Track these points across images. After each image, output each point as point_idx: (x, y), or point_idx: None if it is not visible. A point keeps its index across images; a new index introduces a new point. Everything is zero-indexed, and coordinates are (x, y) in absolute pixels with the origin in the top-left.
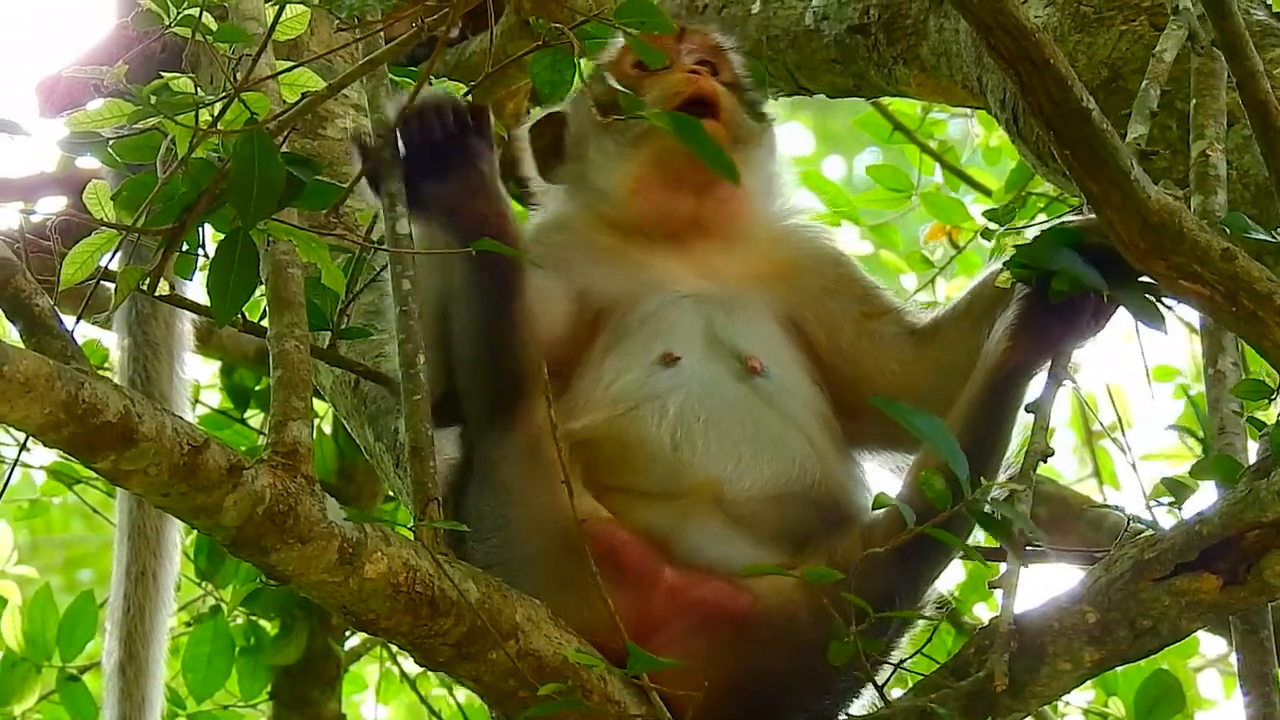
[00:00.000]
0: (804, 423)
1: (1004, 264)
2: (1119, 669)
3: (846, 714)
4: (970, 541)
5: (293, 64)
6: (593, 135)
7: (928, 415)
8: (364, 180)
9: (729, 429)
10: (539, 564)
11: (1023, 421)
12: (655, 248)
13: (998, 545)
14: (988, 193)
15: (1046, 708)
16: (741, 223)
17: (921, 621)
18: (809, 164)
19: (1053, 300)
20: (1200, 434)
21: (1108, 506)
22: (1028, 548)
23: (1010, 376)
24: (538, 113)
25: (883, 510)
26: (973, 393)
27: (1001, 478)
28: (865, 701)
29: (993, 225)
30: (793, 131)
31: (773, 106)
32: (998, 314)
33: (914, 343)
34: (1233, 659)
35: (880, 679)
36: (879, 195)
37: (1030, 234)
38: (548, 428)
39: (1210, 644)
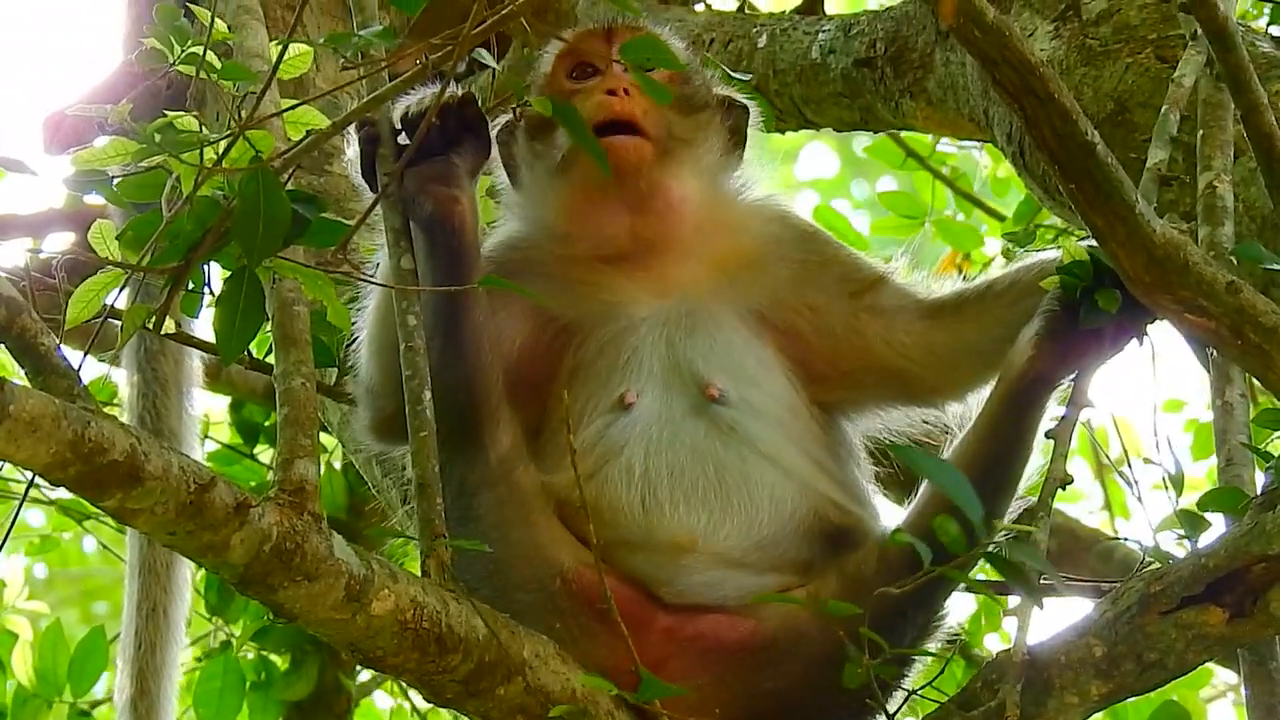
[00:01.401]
0: (776, 450)
1: (1057, 269)
2: (1129, 700)
3: None
4: (983, 575)
5: (298, 101)
6: (524, 157)
7: (941, 461)
8: (356, 162)
9: (694, 481)
10: (533, 616)
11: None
12: (607, 268)
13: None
14: (1000, 218)
15: None
16: (691, 229)
17: (932, 646)
18: (834, 186)
19: (1102, 307)
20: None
21: (1118, 539)
22: (1042, 585)
23: (1034, 386)
24: (501, 119)
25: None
26: (993, 402)
27: (1015, 503)
28: None
29: (1012, 246)
30: (817, 153)
31: (731, 85)
32: (1030, 304)
33: (926, 312)
34: (1243, 690)
35: (893, 706)
36: (892, 222)
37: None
38: (515, 456)
39: (1223, 674)
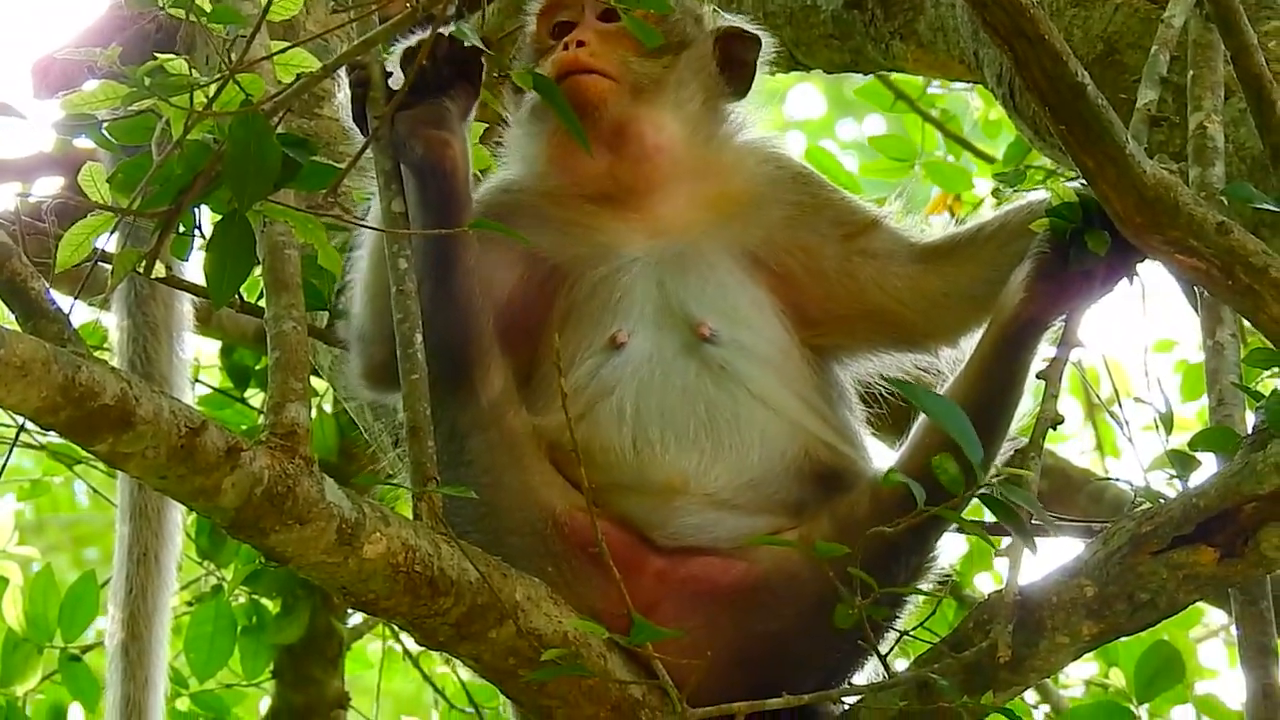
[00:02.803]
0: (766, 390)
1: (1046, 211)
2: (1119, 640)
3: (850, 684)
4: (974, 516)
5: (288, 45)
6: (512, 106)
7: (942, 398)
8: (347, 105)
9: (686, 421)
10: (526, 559)
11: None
12: (597, 210)
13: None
14: (990, 160)
15: (1047, 680)
16: (676, 170)
17: (928, 584)
18: (821, 127)
19: (1090, 249)
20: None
21: (1109, 478)
22: (1034, 527)
23: (1026, 328)
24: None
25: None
26: (985, 344)
27: (1007, 445)
28: (868, 670)
29: (1003, 187)
30: (805, 94)
31: (707, 19)
32: (1019, 246)
33: (918, 256)
34: (1234, 630)
35: (884, 647)
36: (883, 165)
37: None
38: (506, 400)
39: (1214, 614)
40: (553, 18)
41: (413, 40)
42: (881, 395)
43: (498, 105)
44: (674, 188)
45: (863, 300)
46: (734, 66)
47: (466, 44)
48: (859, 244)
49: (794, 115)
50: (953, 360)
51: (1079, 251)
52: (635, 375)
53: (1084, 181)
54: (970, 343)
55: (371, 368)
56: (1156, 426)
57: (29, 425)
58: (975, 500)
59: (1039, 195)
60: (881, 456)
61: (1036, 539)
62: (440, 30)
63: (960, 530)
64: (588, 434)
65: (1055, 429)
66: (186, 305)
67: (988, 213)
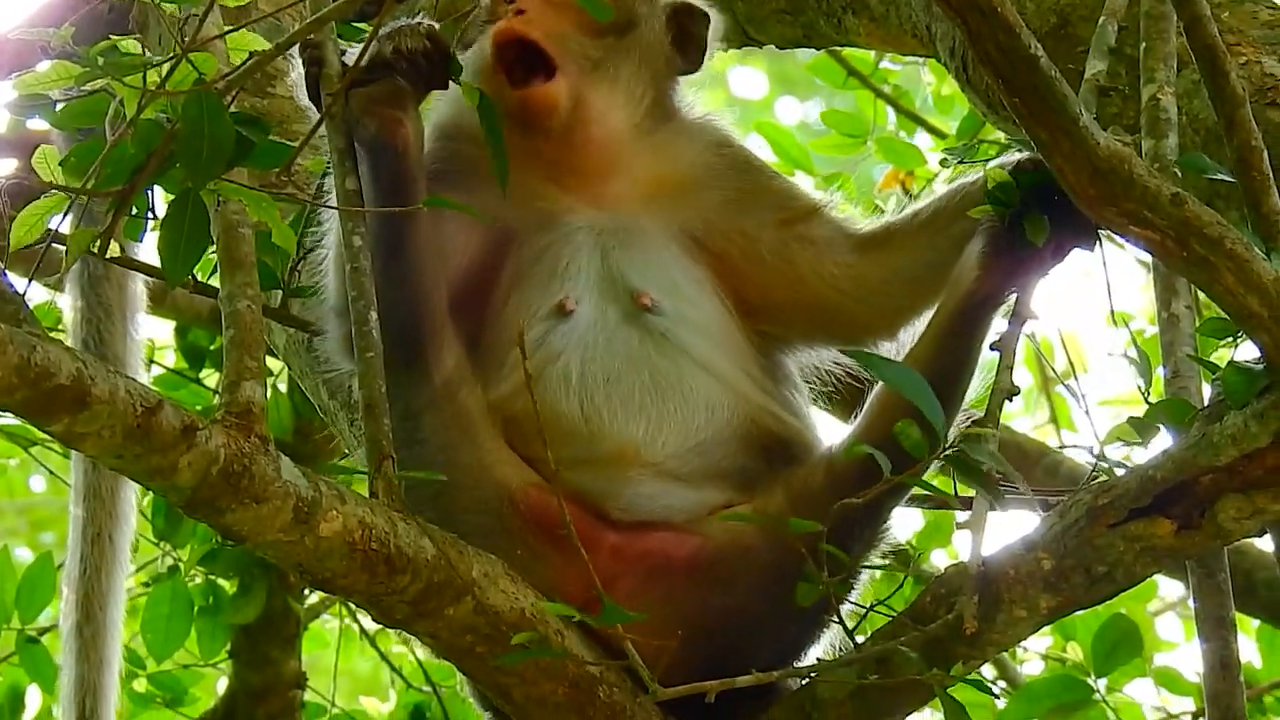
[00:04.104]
0: (709, 359)
1: (986, 193)
2: (1077, 614)
3: (807, 657)
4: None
5: (240, 24)
6: (462, 53)
7: (900, 365)
8: (301, 84)
9: (631, 386)
10: (482, 537)
11: (984, 361)
12: (541, 180)
13: (953, 492)
14: (943, 136)
15: (1005, 654)
16: (620, 150)
17: (879, 558)
18: (763, 107)
19: (1030, 238)
20: (1143, 380)
21: (1074, 447)
22: (1000, 487)
23: (981, 304)
24: None
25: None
26: (940, 320)
27: (961, 417)
28: (825, 643)
29: (950, 159)
30: (746, 75)
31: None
32: (956, 229)
33: (857, 245)
34: (1191, 603)
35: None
36: (834, 141)
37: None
38: (460, 377)
39: (1169, 587)
40: None
41: (400, 22)
42: (834, 376)
43: None
44: (618, 166)
45: (800, 288)
46: (685, 42)
47: (438, 35)
48: (797, 230)
49: (736, 95)
50: (891, 354)
51: (1023, 234)
52: (581, 341)
53: (1031, 155)
54: (909, 334)
55: (346, 339)
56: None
57: None
58: (935, 477)
59: (972, 176)
60: (832, 432)
61: (996, 509)
62: (404, 18)
63: (920, 503)
64: (538, 401)
65: (1010, 401)
66: (140, 286)
67: (923, 198)
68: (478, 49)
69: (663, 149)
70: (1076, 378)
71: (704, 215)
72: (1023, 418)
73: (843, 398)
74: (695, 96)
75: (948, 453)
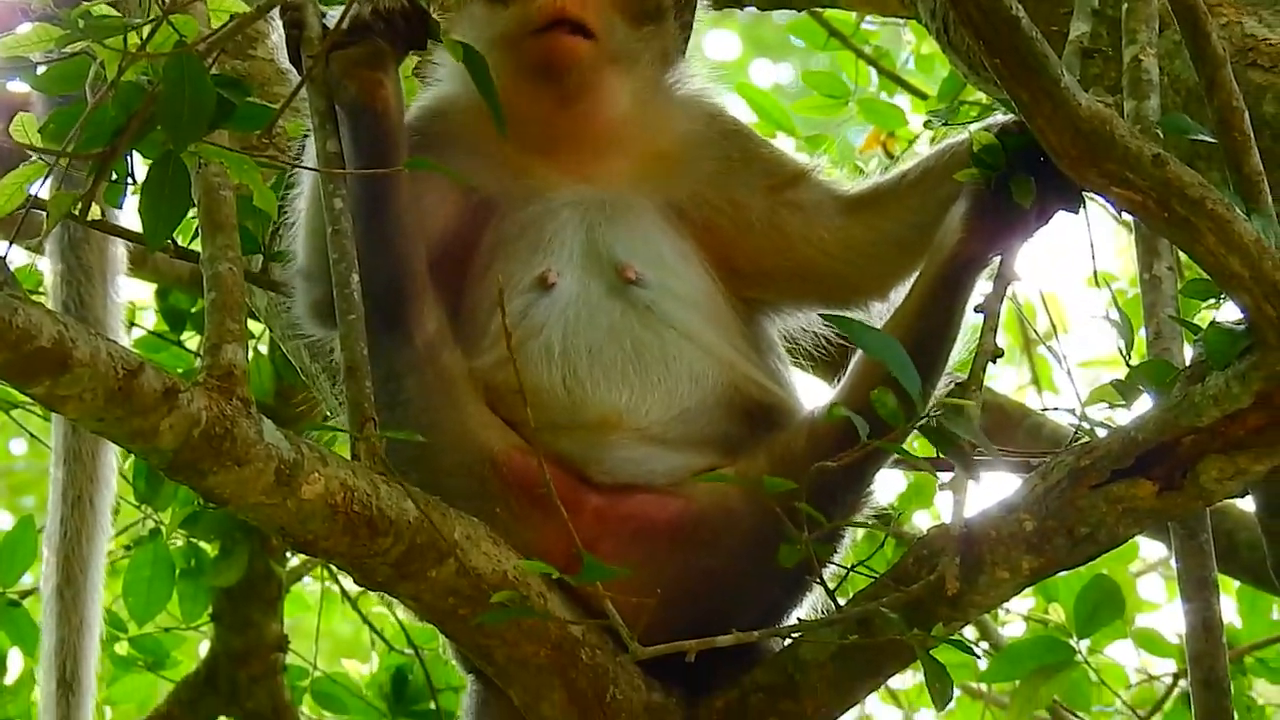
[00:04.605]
0: (692, 329)
1: (972, 156)
2: (1059, 576)
3: (791, 618)
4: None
5: None
6: (471, 23)
7: (879, 332)
8: (282, 47)
9: (614, 358)
10: (464, 500)
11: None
12: (530, 150)
13: (936, 455)
14: (924, 97)
15: (987, 616)
16: (619, 129)
17: (861, 519)
18: (737, 69)
19: (1016, 200)
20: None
21: (1058, 409)
22: (976, 458)
23: (965, 266)
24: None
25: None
26: (924, 282)
27: (945, 380)
28: (811, 603)
29: (934, 121)
30: (720, 37)
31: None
32: (943, 190)
33: (845, 208)
34: (1173, 563)
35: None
36: (815, 102)
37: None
38: (441, 340)
39: (1151, 548)
40: None
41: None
42: (824, 337)
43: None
44: (613, 145)
45: (790, 254)
46: (682, 27)
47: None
48: (786, 196)
49: (710, 57)
50: (882, 314)
51: (1008, 196)
52: (563, 315)
53: (1015, 118)
54: (899, 295)
55: (315, 305)
56: (1120, 350)
57: None
58: (919, 437)
59: (959, 137)
60: (816, 397)
61: (978, 470)
62: None
63: (900, 465)
64: (519, 373)
65: (995, 362)
66: (121, 249)
67: (911, 159)
68: (511, 13)
69: (655, 125)
70: (1058, 338)
71: (691, 187)
72: (1007, 369)
73: (832, 360)
74: (689, 70)
75: (925, 422)
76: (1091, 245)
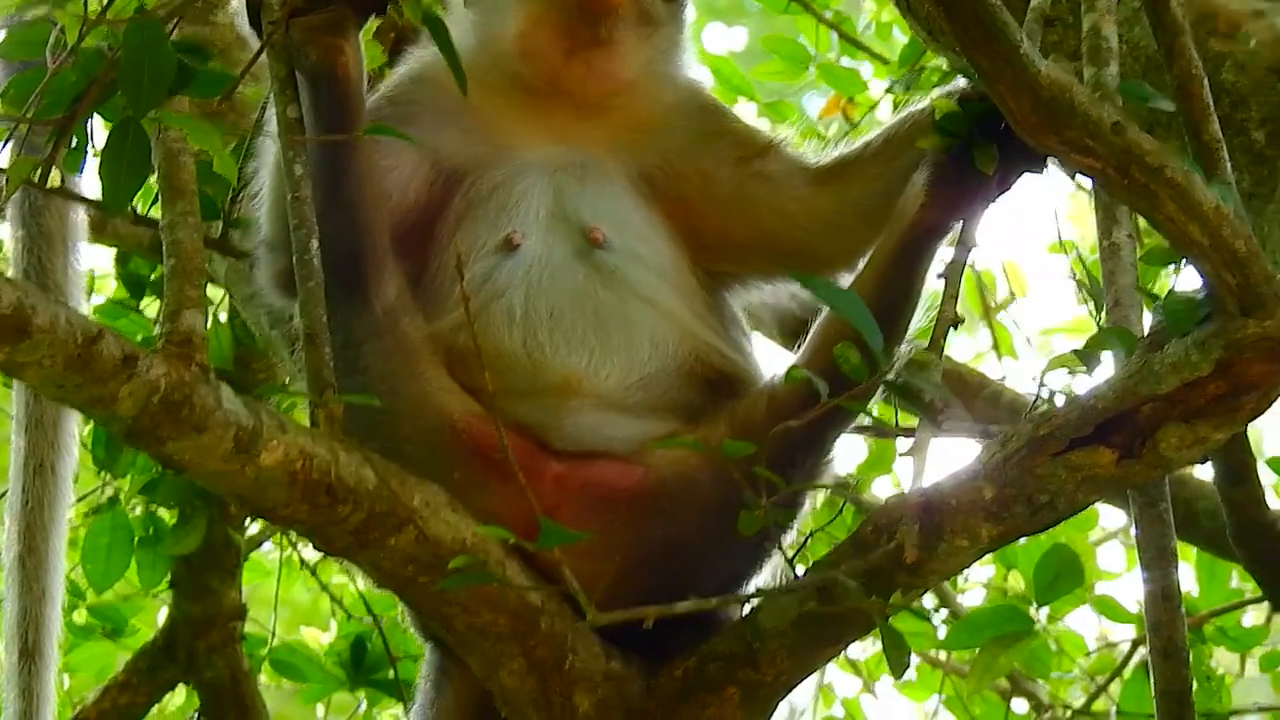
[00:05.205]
0: (656, 294)
1: (934, 123)
2: (1018, 543)
3: (755, 589)
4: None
5: None
6: None
7: (840, 288)
8: (243, 12)
9: (575, 320)
10: (423, 467)
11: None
12: (513, 109)
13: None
14: (885, 62)
15: (946, 584)
16: (614, 92)
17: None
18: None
19: (979, 167)
20: (1094, 303)
21: (1015, 378)
22: (940, 416)
23: (926, 234)
24: None
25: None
26: (885, 250)
27: (905, 347)
28: (770, 570)
29: (895, 88)
30: None
31: None
32: (906, 158)
33: (812, 179)
34: (1133, 531)
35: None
36: (775, 67)
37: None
38: (401, 306)
39: (1111, 516)
40: None
41: None
42: (792, 313)
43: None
44: (603, 107)
45: (758, 225)
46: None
47: None
48: (754, 166)
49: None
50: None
51: (970, 163)
52: (526, 277)
53: (972, 84)
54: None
55: (278, 275)
56: (1089, 306)
57: None
58: (879, 404)
59: (922, 105)
60: (778, 367)
61: (940, 430)
62: None
63: (861, 432)
64: (480, 336)
65: (955, 329)
66: (81, 215)
67: (875, 128)
68: None
69: (645, 94)
70: (1016, 304)
71: (663, 157)
72: (967, 336)
73: (795, 334)
74: (683, 48)
75: (889, 379)
76: (1055, 211)
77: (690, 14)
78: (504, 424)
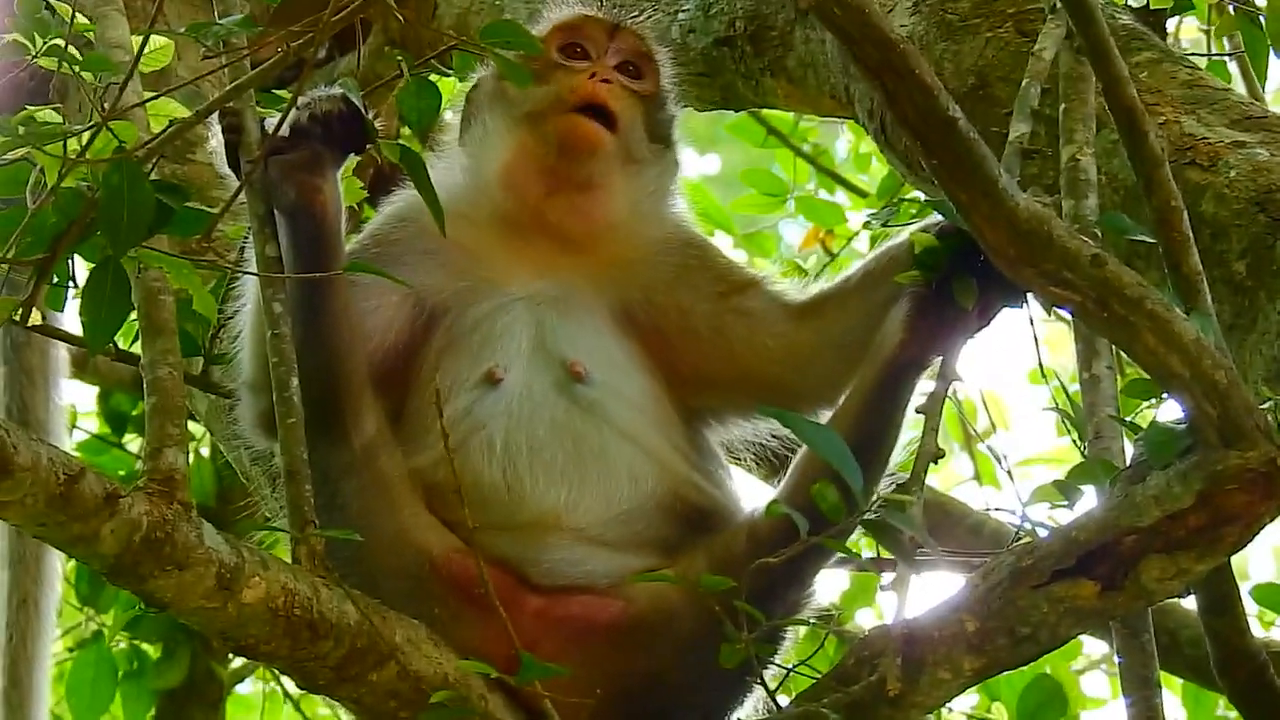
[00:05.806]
0: (635, 429)
1: (913, 258)
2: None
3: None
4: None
5: (160, 91)
6: (488, 106)
7: (820, 426)
8: (221, 152)
9: (554, 455)
10: (404, 602)
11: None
12: (497, 243)
13: (876, 554)
14: (863, 194)
15: (930, 716)
16: (599, 231)
17: (802, 618)
18: None
19: (959, 301)
20: (1074, 433)
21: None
22: (918, 555)
23: (905, 369)
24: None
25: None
26: (865, 385)
27: (886, 480)
28: (753, 703)
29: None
30: None
31: (685, 127)
32: (885, 293)
33: (792, 315)
34: (1116, 660)
35: (769, 683)
36: (753, 200)
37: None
38: (380, 442)
39: (1095, 644)
40: (571, 37)
41: (317, 90)
42: (769, 450)
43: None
44: (587, 245)
45: (734, 360)
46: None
47: (352, 99)
48: (733, 302)
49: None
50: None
51: (950, 297)
52: (507, 410)
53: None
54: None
55: (261, 416)
56: (1072, 435)
57: None
58: (860, 536)
59: (900, 239)
60: (758, 500)
61: (919, 569)
62: (323, 85)
63: (843, 564)
64: (460, 469)
65: (936, 464)
66: (63, 351)
67: (855, 263)
68: (545, 91)
69: (630, 232)
70: (998, 436)
71: (645, 292)
72: (948, 465)
73: (775, 469)
74: (671, 191)
75: (867, 517)
76: (1036, 340)
77: (683, 155)
78: (484, 558)
